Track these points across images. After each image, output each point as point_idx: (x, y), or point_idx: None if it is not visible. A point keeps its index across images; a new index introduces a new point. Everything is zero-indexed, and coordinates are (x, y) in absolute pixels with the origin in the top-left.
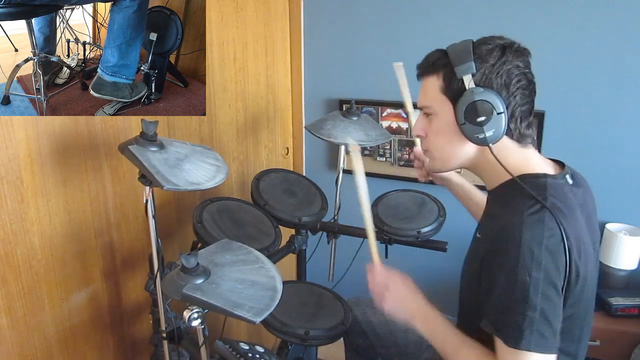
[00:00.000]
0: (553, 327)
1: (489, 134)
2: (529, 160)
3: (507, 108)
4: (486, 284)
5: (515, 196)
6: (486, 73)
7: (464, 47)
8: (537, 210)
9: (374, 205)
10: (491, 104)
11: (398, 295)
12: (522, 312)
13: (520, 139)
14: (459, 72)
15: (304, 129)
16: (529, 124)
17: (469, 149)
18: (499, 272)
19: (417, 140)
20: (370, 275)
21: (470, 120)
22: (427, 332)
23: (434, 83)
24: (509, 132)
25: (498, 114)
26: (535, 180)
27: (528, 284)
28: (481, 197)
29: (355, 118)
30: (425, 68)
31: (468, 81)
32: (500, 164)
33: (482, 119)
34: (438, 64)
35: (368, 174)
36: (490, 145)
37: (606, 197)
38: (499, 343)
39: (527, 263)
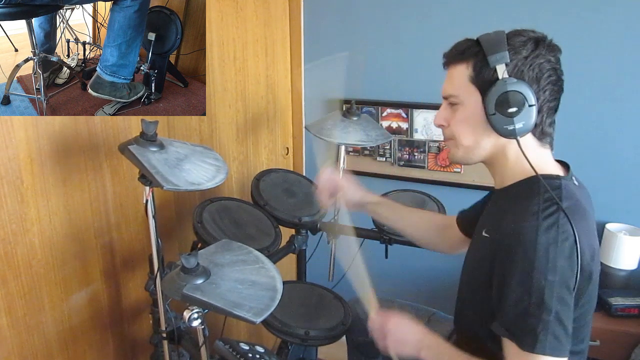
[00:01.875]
0: (566, 330)
1: (518, 126)
2: (544, 160)
3: (537, 102)
4: (498, 287)
5: (529, 196)
6: (519, 65)
7: (497, 37)
8: (552, 212)
9: None
10: (524, 95)
11: (398, 335)
12: (538, 315)
13: (541, 136)
14: (492, 61)
15: (304, 129)
16: (552, 122)
17: (491, 142)
18: (513, 276)
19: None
20: (372, 329)
21: (500, 110)
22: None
23: (462, 71)
24: (533, 128)
25: (530, 106)
26: (551, 181)
27: (544, 287)
28: (412, 210)
29: (355, 118)
30: (454, 56)
31: (501, 71)
32: (527, 159)
33: (513, 110)
34: (468, 52)
35: (368, 174)
36: (518, 138)
37: (606, 197)
38: (511, 347)
39: (542, 266)
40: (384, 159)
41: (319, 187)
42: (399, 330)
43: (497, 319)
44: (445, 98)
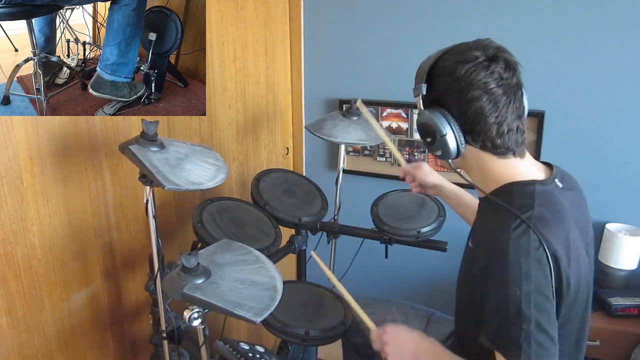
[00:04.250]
0: (550, 336)
1: (437, 153)
2: (514, 168)
3: (463, 125)
4: (480, 298)
5: (500, 206)
6: (438, 93)
7: (424, 66)
8: (522, 222)
9: (374, 205)
10: (433, 127)
11: (396, 344)
12: (518, 325)
13: (495, 150)
14: (414, 92)
15: (304, 129)
16: (502, 135)
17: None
18: (491, 288)
19: (402, 161)
20: (373, 342)
21: (423, 139)
22: None
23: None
24: (482, 146)
25: (441, 136)
26: (523, 188)
27: (520, 297)
28: (472, 201)
29: (355, 118)
30: None
31: (419, 102)
32: (461, 176)
33: (428, 140)
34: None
35: (368, 174)
36: (450, 161)
37: (606, 197)
38: (500, 358)
39: (516, 277)
40: (384, 159)
41: (406, 178)
42: (396, 339)
43: (483, 331)
44: None
